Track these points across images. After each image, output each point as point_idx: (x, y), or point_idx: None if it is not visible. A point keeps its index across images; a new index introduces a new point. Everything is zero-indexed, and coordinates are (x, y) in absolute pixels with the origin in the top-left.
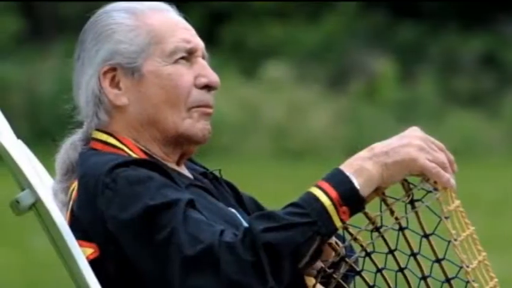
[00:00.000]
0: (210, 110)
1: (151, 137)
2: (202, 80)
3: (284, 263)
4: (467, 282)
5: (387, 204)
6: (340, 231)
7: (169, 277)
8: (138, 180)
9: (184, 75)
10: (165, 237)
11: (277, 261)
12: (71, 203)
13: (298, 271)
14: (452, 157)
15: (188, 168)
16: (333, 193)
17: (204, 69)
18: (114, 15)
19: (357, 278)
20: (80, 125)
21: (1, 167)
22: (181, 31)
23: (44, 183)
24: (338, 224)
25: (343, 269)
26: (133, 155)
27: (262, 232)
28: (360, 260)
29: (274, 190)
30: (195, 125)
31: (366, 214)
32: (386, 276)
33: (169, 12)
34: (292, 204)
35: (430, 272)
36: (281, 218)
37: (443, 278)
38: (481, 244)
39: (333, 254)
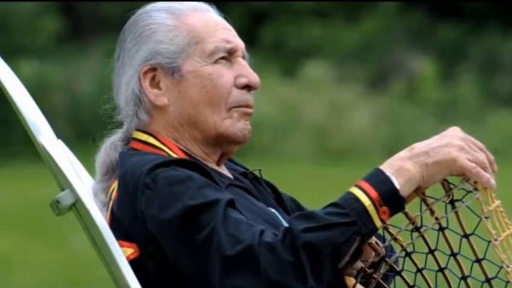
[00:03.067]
0: (250, 110)
1: (192, 137)
2: (243, 80)
3: (324, 263)
4: (508, 282)
5: (427, 204)
6: (380, 231)
7: (209, 277)
8: (178, 180)
9: (225, 75)
10: (205, 237)
11: (317, 261)
12: (110, 203)
13: (338, 271)
14: (492, 157)
15: (228, 168)
16: (373, 193)
17: (244, 69)
18: (154, 15)
19: (397, 278)
20: (120, 125)
21: (41, 167)
22: (221, 31)
23: (84, 183)
24: (378, 224)
25: (383, 269)
26: (174, 155)
27: (303, 232)
28: (400, 260)
29: (314, 190)
30: (235, 125)
31: (406, 214)
32: (427, 276)
33: (209, 12)
34: (332, 204)
35: (470, 272)
36: (321, 218)
37: (483, 278)
38: None
39: (373, 254)
